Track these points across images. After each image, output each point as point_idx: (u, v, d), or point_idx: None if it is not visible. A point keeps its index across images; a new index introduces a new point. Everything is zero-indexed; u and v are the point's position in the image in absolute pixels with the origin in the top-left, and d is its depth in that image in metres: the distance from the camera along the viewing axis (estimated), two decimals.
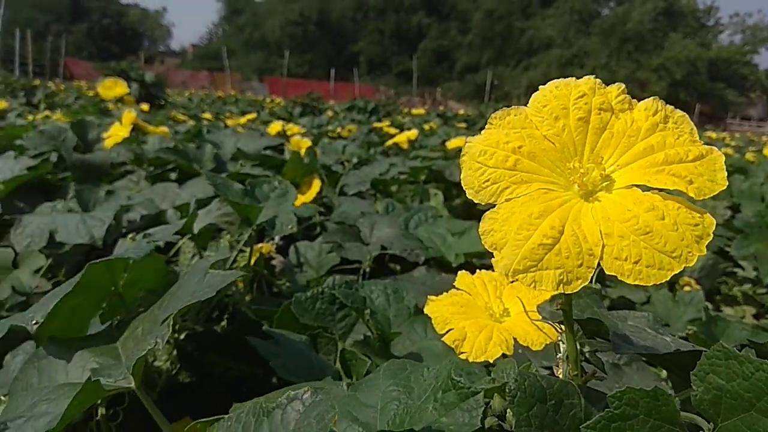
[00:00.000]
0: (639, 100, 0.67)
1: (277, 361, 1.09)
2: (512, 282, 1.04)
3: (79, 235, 1.80)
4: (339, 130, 7.54)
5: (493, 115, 0.67)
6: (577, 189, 0.63)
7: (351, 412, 0.77)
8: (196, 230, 1.60)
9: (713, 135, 13.61)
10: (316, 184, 2.79)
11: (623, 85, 0.66)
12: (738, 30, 59.61)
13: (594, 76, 0.67)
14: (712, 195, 0.57)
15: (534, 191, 0.62)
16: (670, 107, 0.64)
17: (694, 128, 0.63)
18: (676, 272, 0.55)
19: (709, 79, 48.71)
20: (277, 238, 2.22)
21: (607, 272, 0.57)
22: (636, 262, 0.55)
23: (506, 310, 1.00)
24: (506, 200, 0.62)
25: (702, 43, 52.25)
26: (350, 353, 1.12)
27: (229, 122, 6.52)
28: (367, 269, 2.08)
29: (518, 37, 55.55)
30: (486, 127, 0.67)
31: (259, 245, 1.99)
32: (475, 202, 0.64)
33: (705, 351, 0.61)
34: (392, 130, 7.22)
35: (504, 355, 0.91)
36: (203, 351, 1.42)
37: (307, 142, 3.90)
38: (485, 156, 0.64)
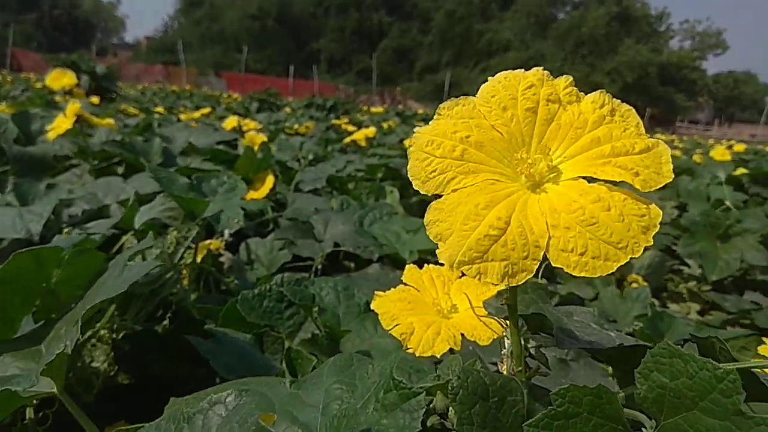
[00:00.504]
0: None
1: (217, 361, 1.05)
2: (461, 277, 1.03)
3: (15, 230, 1.72)
4: (296, 126, 7.45)
5: (441, 105, 0.65)
6: (524, 180, 0.61)
7: (291, 412, 0.74)
8: (137, 225, 1.53)
9: (662, 137, 14.04)
10: (270, 180, 2.74)
11: (571, 78, 0.65)
12: (688, 36, 61.88)
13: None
14: (657, 187, 0.57)
15: (481, 182, 0.60)
16: (616, 101, 0.64)
17: (640, 122, 0.62)
18: (622, 263, 0.54)
19: (660, 83, 50.36)
20: (227, 235, 2.16)
21: (553, 264, 0.55)
22: (582, 254, 0.54)
23: (454, 306, 0.98)
24: (453, 191, 0.60)
25: (653, 48, 53.99)
26: (296, 352, 1.09)
27: (183, 117, 6.35)
28: (320, 266, 2.04)
29: (477, 38, 56.19)
30: (435, 117, 0.65)
31: (207, 242, 1.93)
32: (422, 192, 0.62)
33: (649, 348, 0.60)
34: (350, 128, 7.19)
35: (452, 351, 0.89)
36: (144, 351, 1.36)
37: (261, 138, 3.84)
38: (432, 146, 0.62)
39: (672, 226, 3.27)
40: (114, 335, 1.28)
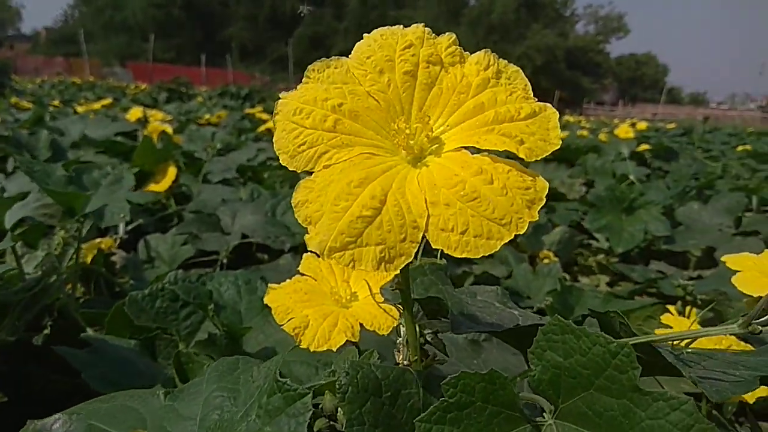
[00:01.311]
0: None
1: (92, 372, 0.94)
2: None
3: None
4: (208, 116, 7.16)
5: (310, 67, 0.58)
6: (404, 153, 0.55)
7: (165, 427, 0.65)
8: (8, 225, 1.37)
9: (571, 119, 14.63)
10: (172, 172, 2.58)
11: (454, 35, 0.59)
12: (591, 20, 64.66)
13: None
14: (544, 155, 0.52)
15: (356, 156, 0.54)
16: (503, 61, 0.59)
17: (528, 84, 0.58)
18: (506, 241, 0.49)
19: (567, 67, 52.40)
20: (121, 232, 2.01)
21: (433, 245, 0.50)
22: (463, 233, 0.49)
23: (354, 294, 0.92)
24: (325, 167, 0.53)
25: (560, 32, 56.07)
26: (186, 356, 0.99)
27: (80, 109, 5.93)
28: (225, 261, 1.93)
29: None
30: (303, 80, 0.58)
31: (98, 240, 1.77)
32: (290, 169, 0.55)
33: (541, 327, 0.56)
34: (264, 116, 6.98)
35: (352, 343, 0.83)
36: (21, 364, 1.22)
37: (165, 127, 3.63)
38: (301, 115, 0.55)
39: (580, 202, 3.36)
40: None
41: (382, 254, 0.49)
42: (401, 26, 0.60)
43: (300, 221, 0.51)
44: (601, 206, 2.86)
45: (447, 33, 0.59)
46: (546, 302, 1.82)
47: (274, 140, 0.56)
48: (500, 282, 2.24)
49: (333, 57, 0.57)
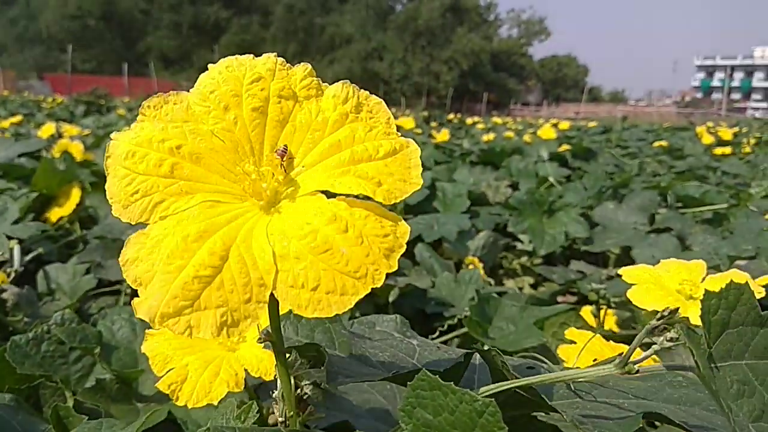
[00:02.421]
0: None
1: None
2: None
3: None
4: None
5: (145, 103, 0.51)
6: (253, 199, 0.50)
7: None
8: None
9: (498, 120, 14.97)
10: (75, 194, 2.42)
11: (309, 66, 0.54)
12: (514, 24, 66.59)
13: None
14: (404, 197, 0.48)
15: (197, 205, 0.48)
16: (364, 93, 0.54)
17: (391, 117, 0.53)
18: (362, 296, 0.44)
19: (493, 70, 53.74)
20: (16, 264, 1.85)
21: (282, 305, 0.45)
22: (314, 289, 0.44)
23: (242, 335, 0.86)
24: (161, 218, 0.47)
25: (485, 36, 57.45)
26: (64, 409, 0.90)
27: None
28: (129, 291, 1.81)
29: (320, 32, 56.19)
30: (138, 118, 0.51)
31: None
32: (123, 221, 0.48)
33: (410, 383, 0.51)
34: None
35: (232, 393, 0.77)
36: None
37: (74, 145, 3.43)
38: (134, 159, 0.49)
39: (504, 206, 3.40)
40: None
41: (224, 318, 0.43)
42: (251, 56, 0.54)
43: (129, 282, 0.45)
44: (522, 209, 2.89)
45: (302, 63, 0.54)
46: (465, 313, 1.81)
47: (106, 187, 0.49)
48: (426, 293, 2.21)
49: (171, 92, 0.51)
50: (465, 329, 1.76)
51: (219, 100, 0.51)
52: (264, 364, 0.77)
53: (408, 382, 0.51)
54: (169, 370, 0.78)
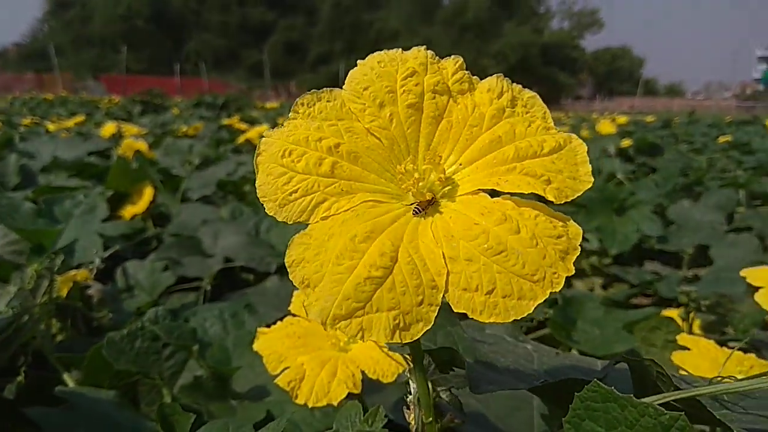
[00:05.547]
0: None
1: None
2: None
3: None
4: (185, 128, 7.01)
5: (298, 101, 0.50)
6: (412, 199, 0.48)
7: None
8: None
9: (552, 114, 14.68)
10: (148, 193, 2.47)
11: (461, 59, 0.52)
12: (566, 16, 65.31)
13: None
14: (575, 196, 0.45)
15: (358, 205, 0.46)
16: (517, 87, 0.52)
17: (547, 111, 0.51)
18: (540, 301, 0.42)
19: (543, 64, 52.83)
20: (97, 261, 1.90)
21: (455, 309, 0.43)
22: (489, 293, 0.41)
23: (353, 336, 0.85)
24: (323, 218, 0.46)
25: (535, 29, 56.53)
26: (170, 407, 0.91)
27: (52, 127, 5.78)
28: (208, 288, 1.84)
29: (367, 28, 56.37)
30: (290, 116, 0.50)
31: (73, 272, 1.67)
32: (279, 220, 0.47)
33: (580, 382, 0.49)
34: (242, 126, 6.87)
35: (351, 395, 0.75)
36: None
37: (141, 145, 3.53)
38: (291, 157, 0.47)
39: (569, 203, 3.31)
40: None
41: (396, 321, 0.42)
42: (400, 50, 0.52)
43: (296, 284, 0.44)
44: (591, 207, 2.81)
45: (453, 56, 0.52)
46: (545, 313, 1.77)
47: (257, 185, 0.48)
48: None
49: (324, 89, 0.50)
50: (544, 330, 1.71)
51: (374, 96, 0.50)
52: (380, 365, 0.76)
53: (558, 393, 0.49)
54: (284, 369, 0.77)
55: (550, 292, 0.42)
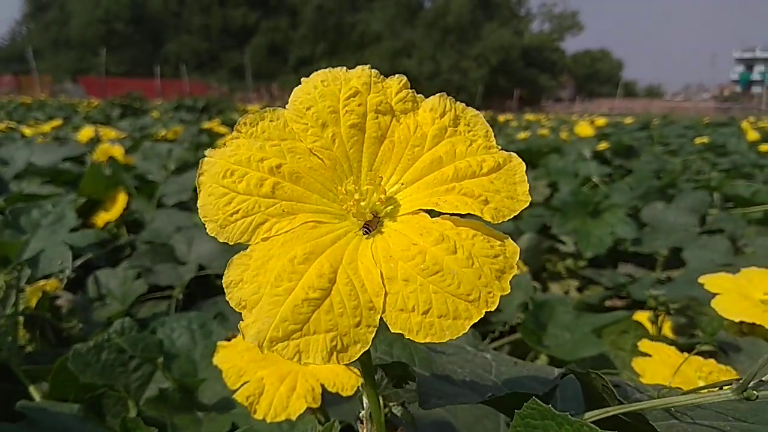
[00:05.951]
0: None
1: None
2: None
3: None
4: (164, 132, 6.95)
5: (241, 120, 0.50)
6: (354, 220, 0.48)
7: None
8: None
9: (531, 117, 14.81)
10: (122, 199, 2.45)
11: (404, 78, 0.52)
12: (546, 19, 65.82)
13: (404, 74, 0.52)
14: (512, 216, 0.46)
15: (299, 226, 0.47)
16: (461, 105, 0.52)
17: (490, 130, 0.51)
18: (475, 320, 0.43)
19: (524, 66, 53.21)
20: (67, 271, 1.88)
21: (392, 329, 0.43)
22: (425, 313, 0.42)
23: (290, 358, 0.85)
24: (263, 239, 0.46)
25: (515, 31, 56.92)
26: (132, 421, 0.90)
27: (28, 131, 5.69)
28: (180, 297, 1.82)
29: (349, 30, 56.40)
30: (233, 135, 0.50)
31: (42, 282, 1.65)
32: (220, 240, 0.47)
33: (523, 396, 0.50)
34: (223, 130, 6.82)
35: (312, 408, 0.76)
36: None
37: (115, 150, 3.49)
38: (233, 178, 0.48)
39: (546, 206, 3.34)
40: None
41: (334, 343, 0.42)
42: (344, 68, 0.53)
43: (233, 305, 0.44)
44: (566, 211, 2.84)
45: (397, 75, 0.52)
46: (518, 318, 1.78)
47: (198, 205, 0.48)
48: None
49: (267, 108, 0.50)
50: (516, 335, 1.73)
51: (317, 117, 0.50)
52: (340, 378, 0.76)
53: (510, 407, 0.49)
54: (244, 383, 0.77)
55: (485, 311, 0.43)
